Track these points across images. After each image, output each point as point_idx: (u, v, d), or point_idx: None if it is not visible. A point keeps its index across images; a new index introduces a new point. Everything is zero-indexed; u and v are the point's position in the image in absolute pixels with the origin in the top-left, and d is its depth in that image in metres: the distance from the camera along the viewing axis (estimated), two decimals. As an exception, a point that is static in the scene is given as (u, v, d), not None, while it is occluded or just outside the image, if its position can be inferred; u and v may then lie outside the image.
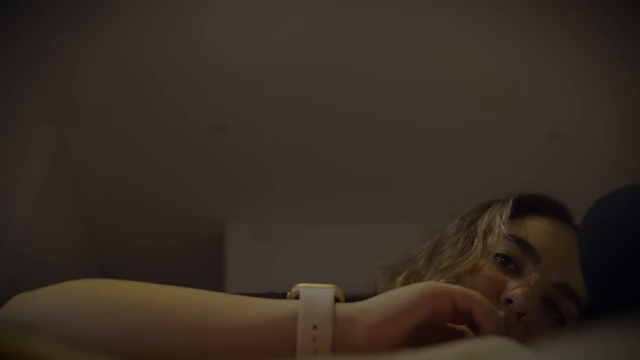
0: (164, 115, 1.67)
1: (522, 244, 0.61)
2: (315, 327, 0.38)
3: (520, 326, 0.55)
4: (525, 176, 1.88)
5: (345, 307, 0.40)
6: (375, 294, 0.44)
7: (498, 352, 0.29)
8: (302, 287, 0.42)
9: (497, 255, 0.60)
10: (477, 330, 0.42)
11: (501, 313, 0.55)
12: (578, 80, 1.64)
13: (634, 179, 1.83)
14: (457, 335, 0.43)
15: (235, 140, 1.76)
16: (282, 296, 0.44)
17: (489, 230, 0.64)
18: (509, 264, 0.60)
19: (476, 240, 0.64)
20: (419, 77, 1.61)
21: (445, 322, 0.42)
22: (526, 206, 0.65)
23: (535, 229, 0.63)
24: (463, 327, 0.44)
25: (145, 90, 1.60)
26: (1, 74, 1.52)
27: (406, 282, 0.64)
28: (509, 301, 0.57)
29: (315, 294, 0.41)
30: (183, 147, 1.76)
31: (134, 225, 1.99)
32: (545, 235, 0.62)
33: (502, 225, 0.62)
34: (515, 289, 0.57)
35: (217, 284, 1.99)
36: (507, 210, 0.64)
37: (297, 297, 0.41)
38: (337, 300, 0.42)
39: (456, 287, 0.42)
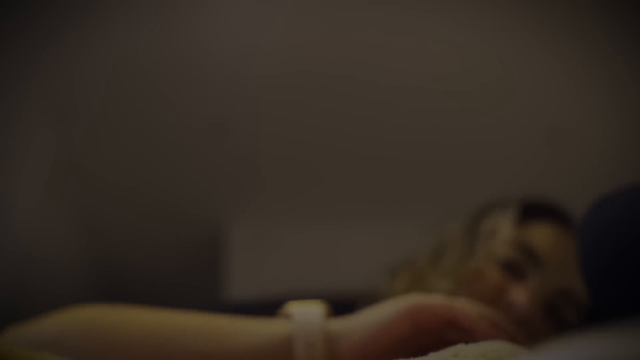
0: (164, 116, 1.68)
1: (526, 249, 0.61)
2: (310, 346, 0.40)
3: (522, 331, 0.56)
4: (524, 176, 1.89)
5: (333, 326, 0.43)
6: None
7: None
8: (293, 308, 0.44)
9: (501, 260, 0.61)
10: (472, 337, 0.43)
11: (506, 316, 0.56)
12: (578, 79, 1.64)
13: (634, 179, 1.83)
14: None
15: (236, 141, 1.76)
16: (277, 304, 0.46)
17: (493, 234, 0.64)
18: (512, 269, 0.60)
19: (480, 243, 0.64)
20: (418, 79, 1.61)
21: (439, 337, 0.44)
22: (530, 211, 0.65)
23: (539, 234, 0.63)
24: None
25: (145, 90, 1.60)
26: (1, 74, 1.52)
27: (408, 283, 0.64)
28: (512, 306, 0.57)
29: (305, 313, 0.43)
30: (182, 148, 1.77)
31: (134, 225, 1.99)
32: (549, 241, 0.62)
33: (506, 230, 0.63)
34: (518, 294, 0.57)
35: (217, 284, 1.99)
36: (511, 214, 0.64)
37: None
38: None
39: (435, 300, 0.43)
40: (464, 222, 0.68)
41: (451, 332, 0.44)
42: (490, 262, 0.60)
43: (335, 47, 1.52)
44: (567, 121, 1.77)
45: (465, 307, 0.43)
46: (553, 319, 0.58)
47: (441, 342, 0.44)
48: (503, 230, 0.62)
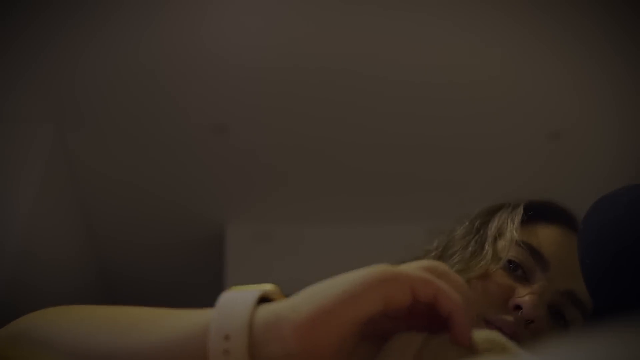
0: (165, 114, 1.68)
1: (533, 251, 0.61)
2: (227, 337, 0.31)
3: (527, 333, 0.56)
4: (525, 176, 1.89)
5: (270, 307, 0.33)
6: None
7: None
8: (225, 294, 0.35)
9: (508, 261, 0.60)
10: (443, 319, 0.34)
11: (510, 318, 0.56)
12: (578, 79, 1.64)
13: (634, 179, 1.83)
14: (421, 329, 0.35)
15: (236, 139, 1.76)
16: None
17: (499, 235, 0.64)
18: (518, 270, 0.61)
19: (486, 244, 0.64)
20: (419, 76, 1.61)
21: (403, 314, 0.34)
22: (536, 212, 0.65)
23: (546, 236, 0.63)
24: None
25: (146, 89, 1.60)
26: (1, 74, 1.52)
27: None
28: (518, 307, 0.57)
29: (234, 298, 0.34)
30: (183, 146, 1.77)
31: (133, 224, 1.99)
32: (555, 243, 0.62)
33: (514, 231, 0.62)
34: (524, 296, 0.57)
35: (217, 284, 1.99)
36: (518, 216, 0.64)
37: None
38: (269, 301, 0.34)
39: (413, 271, 0.33)
40: (471, 223, 0.68)
41: (418, 316, 0.34)
42: (496, 263, 0.60)
43: (337, 45, 1.52)
44: (567, 121, 1.77)
45: (448, 288, 0.33)
46: (557, 320, 0.58)
47: (396, 328, 0.34)
48: (509, 232, 0.62)
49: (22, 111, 1.63)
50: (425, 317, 0.34)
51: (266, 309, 0.33)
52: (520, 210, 0.65)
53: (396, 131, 1.75)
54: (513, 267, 0.61)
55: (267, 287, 0.35)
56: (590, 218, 0.50)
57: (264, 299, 0.35)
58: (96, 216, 1.95)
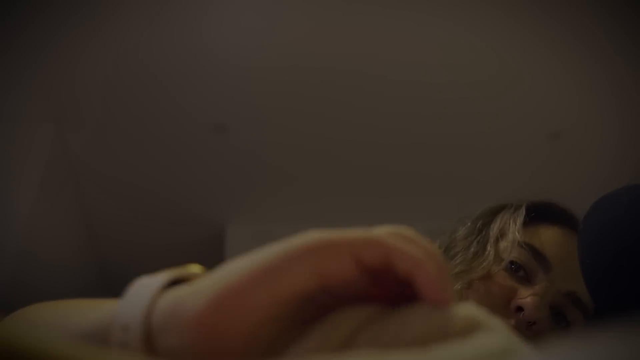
0: (165, 114, 1.68)
1: (535, 252, 0.60)
2: (125, 328, 0.27)
3: (529, 334, 0.56)
4: (525, 176, 1.88)
5: (176, 292, 0.27)
6: None
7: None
8: (136, 281, 0.29)
9: (510, 262, 0.60)
10: (412, 286, 0.26)
11: (511, 321, 0.56)
12: (578, 79, 1.64)
13: (633, 179, 1.83)
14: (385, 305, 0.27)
15: (237, 139, 1.76)
16: None
17: (501, 236, 0.64)
18: (520, 272, 0.60)
19: (488, 245, 0.63)
20: (419, 76, 1.61)
21: (360, 291, 0.27)
22: (538, 213, 0.65)
23: (548, 238, 0.63)
24: None
25: (147, 89, 1.60)
26: (1, 74, 1.52)
27: None
28: (519, 309, 0.57)
29: (142, 284, 0.28)
30: (184, 146, 1.76)
31: (134, 224, 1.99)
32: (557, 244, 0.62)
33: (516, 233, 0.62)
34: (526, 298, 0.57)
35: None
36: (520, 217, 0.64)
37: None
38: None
39: (356, 234, 0.27)
40: (473, 223, 0.67)
41: (381, 283, 0.27)
42: (498, 264, 0.60)
43: (336, 46, 1.52)
44: (567, 121, 1.77)
45: (406, 245, 0.26)
46: (559, 321, 0.58)
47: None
48: (511, 233, 0.62)
49: (22, 111, 1.62)
50: (402, 296, 0.27)
51: (171, 294, 0.27)
52: (523, 211, 0.64)
53: (396, 131, 1.75)
54: (515, 268, 0.60)
55: (192, 269, 0.30)
56: (590, 218, 0.50)
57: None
58: (96, 216, 1.95)
